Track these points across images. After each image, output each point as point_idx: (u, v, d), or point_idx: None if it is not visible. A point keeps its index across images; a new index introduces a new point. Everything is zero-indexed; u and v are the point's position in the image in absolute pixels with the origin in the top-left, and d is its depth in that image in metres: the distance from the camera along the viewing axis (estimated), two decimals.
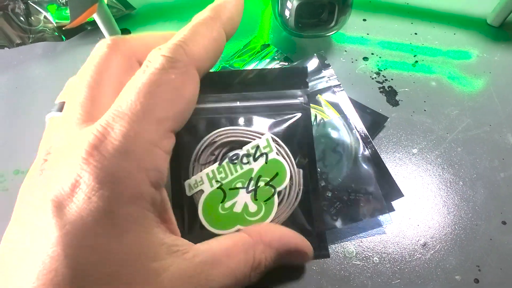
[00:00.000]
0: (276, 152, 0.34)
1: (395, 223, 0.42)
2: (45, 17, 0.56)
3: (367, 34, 0.57)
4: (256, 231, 0.29)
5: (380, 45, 0.56)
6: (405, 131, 0.48)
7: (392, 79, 0.52)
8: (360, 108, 0.47)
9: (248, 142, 0.34)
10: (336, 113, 0.44)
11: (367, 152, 0.42)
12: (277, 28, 0.56)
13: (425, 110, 0.50)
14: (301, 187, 0.33)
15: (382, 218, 0.42)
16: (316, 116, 0.44)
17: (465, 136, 0.48)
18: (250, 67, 0.51)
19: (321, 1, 0.48)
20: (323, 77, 0.46)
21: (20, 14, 0.55)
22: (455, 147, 0.47)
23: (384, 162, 0.43)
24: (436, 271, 0.39)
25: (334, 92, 0.45)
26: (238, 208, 0.33)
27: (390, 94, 0.51)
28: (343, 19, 0.50)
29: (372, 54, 0.55)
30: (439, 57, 0.54)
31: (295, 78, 0.36)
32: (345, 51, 0.55)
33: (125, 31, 0.57)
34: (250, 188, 0.33)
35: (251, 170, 0.34)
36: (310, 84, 0.46)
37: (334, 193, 0.40)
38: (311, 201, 0.34)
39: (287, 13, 0.49)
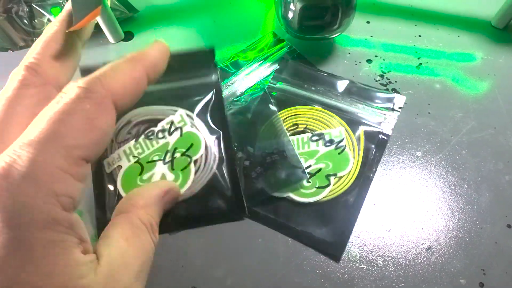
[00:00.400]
0: (191, 125, 0.38)
1: (399, 226, 0.42)
2: (48, 19, 0.56)
3: (371, 36, 0.57)
4: (129, 204, 0.31)
5: (384, 48, 0.56)
6: (409, 134, 0.48)
7: (396, 82, 0.52)
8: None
9: (163, 119, 0.38)
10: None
11: None
12: (281, 31, 0.56)
13: (429, 113, 0.49)
14: (217, 155, 0.36)
15: (386, 221, 0.42)
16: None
17: (469, 139, 0.47)
18: (255, 66, 0.51)
19: (324, 4, 0.48)
20: None
21: (24, 16, 0.56)
22: (459, 150, 0.46)
23: (389, 164, 0.44)
24: (440, 275, 0.39)
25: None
26: (156, 178, 0.35)
27: None
28: (346, 22, 0.50)
29: (376, 56, 0.55)
30: (443, 59, 0.54)
31: (204, 59, 0.41)
32: (349, 53, 0.55)
33: (129, 34, 0.57)
34: (167, 159, 0.36)
35: (167, 143, 0.37)
36: None
37: (251, 160, 0.44)
38: (226, 167, 0.36)
39: (290, 15, 0.49)
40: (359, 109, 0.47)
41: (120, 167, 0.35)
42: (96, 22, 0.54)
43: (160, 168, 0.36)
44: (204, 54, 0.42)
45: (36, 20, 0.56)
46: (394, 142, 0.47)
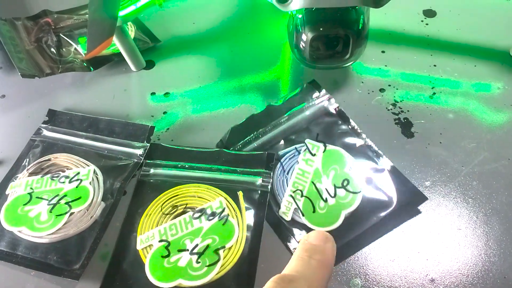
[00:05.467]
0: (90, 182, 0.46)
1: (403, 256, 0.41)
2: (75, 48, 0.59)
3: (385, 65, 0.57)
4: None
5: (398, 77, 0.56)
6: (419, 163, 0.47)
7: (408, 111, 0.52)
8: (401, 182, 0.45)
9: (71, 168, 0.48)
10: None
11: None
12: (295, 60, 0.57)
13: (440, 143, 0.49)
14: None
15: (390, 251, 0.42)
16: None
17: (481, 170, 0.47)
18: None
19: (335, 34, 0.49)
20: None
21: (52, 45, 0.59)
22: (470, 181, 0.46)
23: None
24: None
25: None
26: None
27: (406, 126, 0.51)
28: (358, 51, 0.50)
29: (389, 85, 0.55)
30: (458, 89, 0.54)
31: (138, 133, 0.50)
32: (362, 82, 0.56)
33: (150, 63, 0.60)
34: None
35: (61, 189, 0.46)
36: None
37: None
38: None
39: (302, 45, 0.50)
40: (234, 175, 0.46)
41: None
42: (119, 51, 0.56)
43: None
44: (140, 128, 0.51)
45: (63, 49, 0.59)
46: (403, 171, 0.46)
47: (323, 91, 0.52)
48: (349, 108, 0.52)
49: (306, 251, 0.31)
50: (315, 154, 0.47)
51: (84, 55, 0.58)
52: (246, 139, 0.49)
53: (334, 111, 0.51)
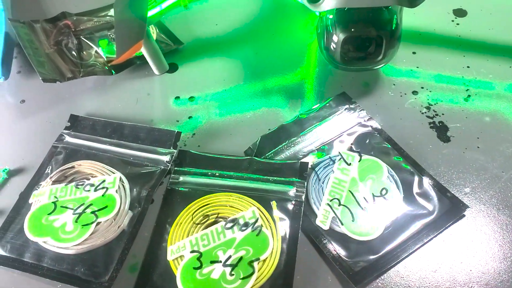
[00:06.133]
0: (116, 190, 0.44)
1: (446, 266, 0.39)
2: (96, 51, 0.58)
3: (417, 67, 0.55)
4: None
5: (430, 79, 0.54)
6: (457, 169, 0.46)
7: (443, 114, 0.50)
8: (440, 190, 0.44)
9: (96, 176, 0.46)
10: None
11: None
12: (323, 61, 0.56)
13: (478, 147, 0.47)
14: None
15: (432, 261, 0.40)
16: None
17: None
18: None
19: (368, 34, 0.47)
20: None
21: (73, 49, 0.57)
22: (511, 187, 0.44)
23: None
24: None
25: None
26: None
27: (441, 130, 0.49)
28: (391, 53, 0.49)
29: (422, 88, 0.53)
30: (493, 90, 0.52)
31: (164, 139, 0.49)
32: (394, 84, 0.54)
33: (173, 66, 0.58)
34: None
35: (86, 197, 0.44)
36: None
37: None
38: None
39: (333, 46, 0.48)
40: (267, 184, 0.45)
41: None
42: (141, 54, 0.55)
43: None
44: (166, 134, 0.49)
45: (84, 52, 0.58)
46: (440, 178, 0.45)
47: (354, 102, 0.51)
48: (381, 111, 0.51)
49: None
50: (350, 164, 0.45)
51: (105, 58, 0.57)
52: (277, 148, 0.48)
53: (366, 122, 0.49)
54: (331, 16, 0.48)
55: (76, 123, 0.51)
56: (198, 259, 0.40)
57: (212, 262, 0.39)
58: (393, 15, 0.48)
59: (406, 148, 0.47)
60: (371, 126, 0.49)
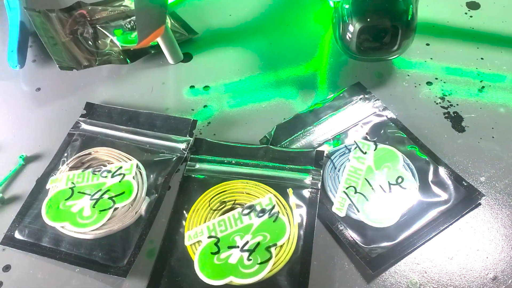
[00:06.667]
0: (133, 176, 0.45)
1: (462, 254, 0.40)
2: (111, 40, 0.58)
3: (431, 58, 0.56)
4: None
5: (444, 70, 0.54)
6: (472, 159, 0.46)
7: (457, 104, 0.50)
8: (455, 178, 0.44)
9: (113, 163, 0.46)
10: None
11: None
12: (337, 52, 0.56)
13: (493, 137, 0.47)
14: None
15: (448, 248, 0.40)
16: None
17: None
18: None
19: (384, 25, 0.47)
20: None
21: (88, 38, 0.58)
22: None
23: None
24: None
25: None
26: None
27: (456, 120, 0.49)
28: (406, 43, 0.49)
29: (436, 79, 0.53)
30: (508, 83, 0.52)
31: (180, 127, 0.49)
32: (408, 75, 0.54)
33: (188, 55, 0.59)
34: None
35: (104, 183, 0.45)
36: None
37: None
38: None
39: (348, 36, 0.49)
40: (283, 172, 0.45)
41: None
42: (156, 43, 0.55)
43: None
44: (183, 122, 0.49)
45: (99, 41, 0.58)
46: (456, 167, 0.45)
47: (369, 92, 0.51)
48: (396, 101, 0.51)
49: None
50: (366, 152, 0.45)
51: (120, 47, 0.57)
52: (292, 137, 0.48)
53: (381, 112, 0.49)
54: (347, 6, 0.48)
55: (92, 111, 0.52)
56: (216, 244, 0.40)
57: (230, 247, 0.39)
58: (409, 6, 0.48)
59: (421, 137, 0.47)
60: (386, 116, 0.49)
